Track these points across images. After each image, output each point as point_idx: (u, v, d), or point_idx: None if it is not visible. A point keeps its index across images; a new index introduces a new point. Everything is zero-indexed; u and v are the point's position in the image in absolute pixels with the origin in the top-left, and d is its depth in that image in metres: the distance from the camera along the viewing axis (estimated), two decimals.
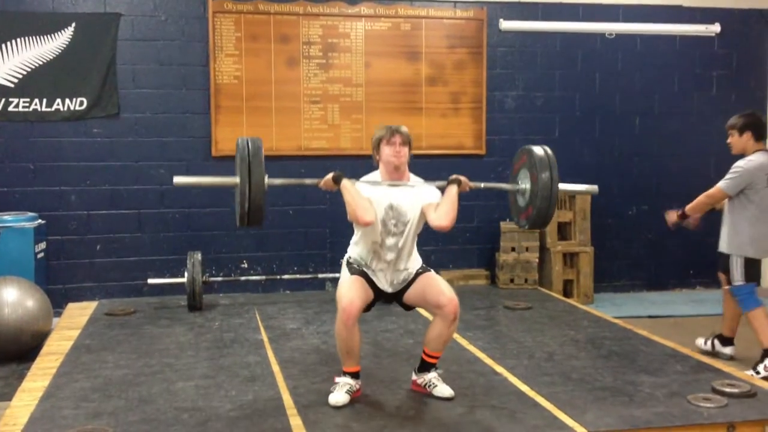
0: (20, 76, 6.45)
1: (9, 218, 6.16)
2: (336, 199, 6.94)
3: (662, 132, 7.73)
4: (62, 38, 6.51)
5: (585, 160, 7.57)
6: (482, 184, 4.55)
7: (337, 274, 6.70)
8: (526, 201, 4.38)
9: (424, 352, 4.22)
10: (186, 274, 6.09)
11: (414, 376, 4.28)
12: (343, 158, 6.81)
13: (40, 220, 6.35)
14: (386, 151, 4.14)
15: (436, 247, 7.35)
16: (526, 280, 7.16)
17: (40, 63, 6.47)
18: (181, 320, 5.90)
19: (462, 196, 7.11)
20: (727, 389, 4.12)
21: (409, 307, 4.35)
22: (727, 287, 5.50)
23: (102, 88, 6.60)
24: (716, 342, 5.62)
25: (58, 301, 6.48)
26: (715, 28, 7.53)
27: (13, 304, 5.37)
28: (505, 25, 7.21)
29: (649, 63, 7.65)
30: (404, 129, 4.18)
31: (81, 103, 6.59)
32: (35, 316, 5.46)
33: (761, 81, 7.91)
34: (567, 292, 7.21)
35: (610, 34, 7.36)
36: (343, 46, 7.00)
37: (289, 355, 4.95)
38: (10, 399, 4.24)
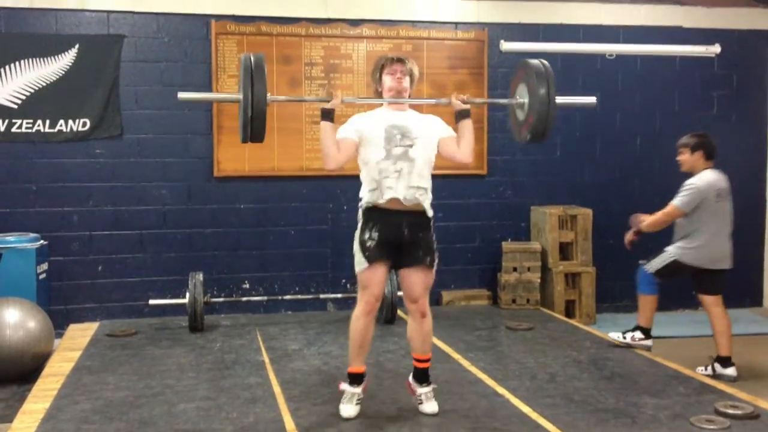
0: (23, 97, 6.48)
1: (11, 239, 6.17)
2: (337, 219, 7.02)
3: (663, 152, 7.68)
4: (66, 59, 6.54)
5: (586, 180, 7.58)
6: (477, 100, 4.84)
7: (338, 295, 6.81)
8: (525, 113, 4.39)
9: (413, 357, 4.30)
10: (187, 294, 6.08)
11: (412, 382, 4.32)
12: (344, 179, 6.76)
13: (42, 241, 6.36)
14: (387, 81, 4.10)
15: (438, 267, 7.31)
16: (528, 301, 7.15)
17: (44, 84, 6.51)
18: (183, 341, 5.89)
19: (463, 216, 7.27)
20: (731, 411, 4.11)
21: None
22: (709, 305, 5.61)
23: (105, 110, 6.63)
24: (716, 366, 5.57)
25: (59, 322, 6.47)
26: (716, 49, 7.55)
27: (14, 326, 5.36)
28: (506, 46, 7.24)
29: (649, 83, 7.68)
30: (409, 61, 4.13)
31: (84, 124, 6.61)
32: (36, 337, 5.45)
33: (762, 101, 7.94)
34: (569, 313, 7.19)
35: (611, 55, 7.39)
36: (345, 66, 7.04)
37: (290, 377, 4.94)
38: (11, 421, 4.23)
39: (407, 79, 4.12)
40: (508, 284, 7.15)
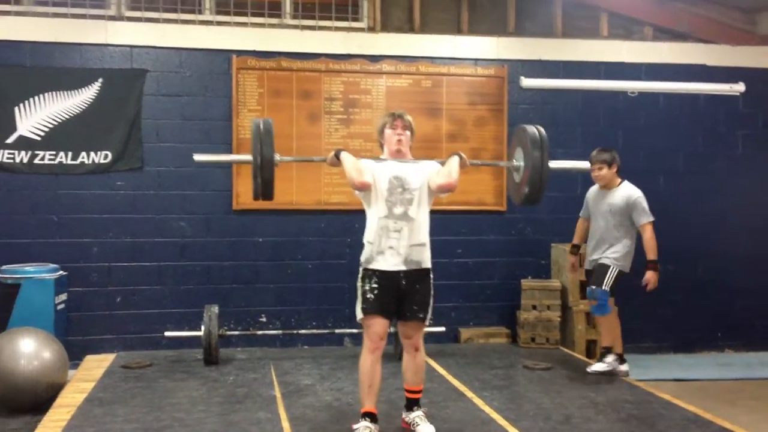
0: (47, 130, 6.57)
1: (30, 269, 6.22)
2: (355, 253, 6.94)
3: (687, 191, 7.64)
4: (89, 93, 6.64)
5: None
6: (478, 161, 5.20)
7: (355, 330, 6.76)
8: (520, 177, 4.66)
9: (405, 389, 4.52)
10: (202, 327, 6.08)
11: (403, 415, 4.52)
12: (362, 213, 6.76)
13: (61, 272, 6.41)
14: (389, 134, 4.44)
15: (457, 303, 7.28)
16: (547, 340, 7.04)
17: (67, 117, 6.60)
18: (196, 374, 5.87)
19: (482, 252, 7.21)
20: None
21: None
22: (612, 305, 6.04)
23: (126, 142, 6.71)
24: (612, 361, 5.95)
25: (77, 353, 6.50)
26: (740, 87, 7.47)
27: (29, 356, 5.38)
28: (527, 82, 7.23)
29: (672, 121, 7.62)
30: (407, 116, 4.50)
31: (106, 157, 6.69)
32: (51, 367, 5.46)
33: None
34: (590, 353, 7.05)
35: (633, 92, 7.34)
36: (365, 101, 7.07)
37: (300, 412, 4.89)
38: None
39: (407, 133, 4.48)
40: (527, 322, 7.05)
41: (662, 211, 7.51)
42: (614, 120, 7.51)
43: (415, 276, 4.33)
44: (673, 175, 7.62)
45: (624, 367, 6.03)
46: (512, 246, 7.36)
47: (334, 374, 5.91)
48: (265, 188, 4.28)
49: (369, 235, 4.36)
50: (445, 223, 7.20)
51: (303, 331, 6.77)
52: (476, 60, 7.29)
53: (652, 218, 5.91)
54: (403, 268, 4.29)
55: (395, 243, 4.27)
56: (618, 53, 7.53)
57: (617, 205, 5.96)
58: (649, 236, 5.87)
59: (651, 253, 5.85)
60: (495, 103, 7.27)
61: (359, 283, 4.37)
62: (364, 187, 4.32)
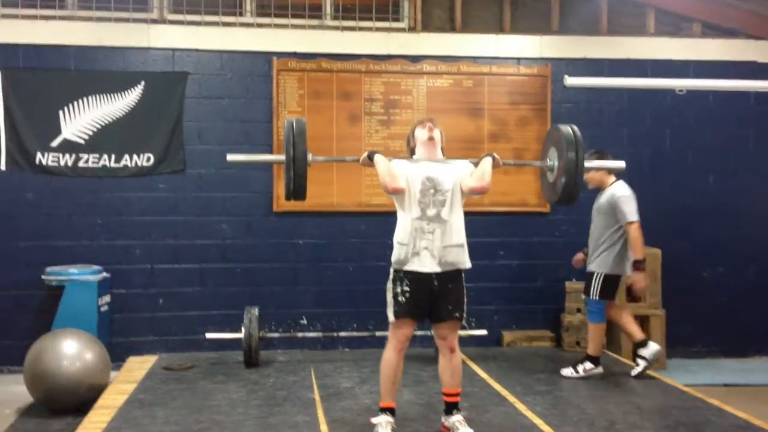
0: (91, 133, 6.64)
1: (74, 271, 6.29)
2: None
3: (738, 190, 7.43)
4: (132, 96, 6.70)
5: (655, 219, 7.21)
6: (512, 161, 5.09)
7: None
8: (554, 176, 4.61)
9: (443, 393, 4.47)
10: (243, 329, 6.07)
11: (443, 419, 4.47)
12: None
13: (104, 274, 6.47)
14: (419, 132, 4.43)
15: (499, 306, 7.18)
16: None
17: (110, 120, 6.66)
18: (237, 376, 5.87)
19: (525, 254, 7.10)
20: None
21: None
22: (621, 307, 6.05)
23: (169, 145, 6.75)
24: (587, 364, 5.92)
25: (120, 354, 6.56)
26: None
27: (71, 357, 5.42)
28: (570, 81, 7.04)
29: (722, 120, 7.41)
30: (435, 119, 4.53)
31: (148, 159, 6.73)
32: (93, 368, 5.49)
33: None
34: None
35: (681, 91, 7.12)
36: (405, 102, 7.01)
37: (339, 416, 4.85)
38: None
39: (437, 131, 4.46)
40: (571, 326, 6.92)
41: (712, 212, 7.38)
42: (661, 119, 7.33)
43: (447, 277, 4.29)
44: (723, 174, 7.41)
45: (599, 369, 5.98)
46: (556, 248, 7.23)
47: (373, 377, 5.81)
48: (297, 188, 4.26)
49: (401, 236, 4.31)
50: (486, 224, 7.12)
51: (343, 334, 6.72)
52: (519, 59, 7.18)
53: (634, 218, 5.73)
54: (437, 269, 4.26)
55: (429, 244, 4.24)
56: (665, 50, 7.35)
57: (603, 205, 5.92)
58: (632, 236, 5.72)
59: (635, 253, 5.74)
60: (538, 103, 7.15)
61: (390, 285, 4.36)
62: (397, 192, 4.29)
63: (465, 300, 4.39)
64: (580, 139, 4.43)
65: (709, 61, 7.35)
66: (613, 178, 5.94)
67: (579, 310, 6.90)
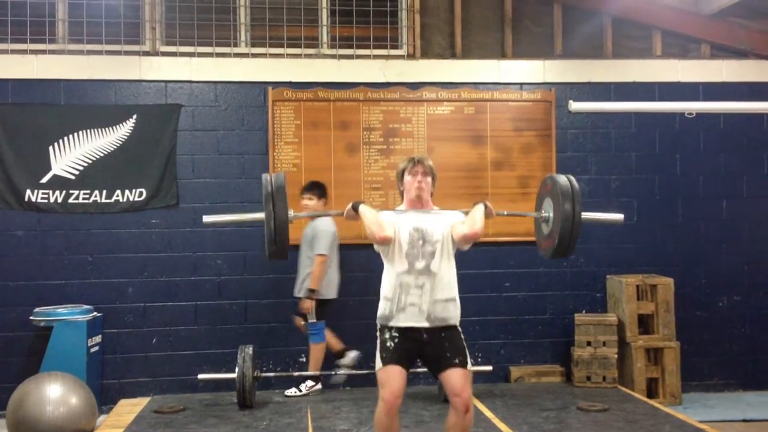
0: (81, 168, 6.48)
1: (63, 311, 6.10)
2: None
3: (753, 216, 7.16)
4: (123, 130, 6.54)
5: (667, 247, 7.05)
6: (505, 212, 4.59)
7: None
8: (549, 228, 4.40)
9: None
10: (236, 369, 5.83)
11: None
12: None
13: (95, 313, 6.28)
14: (408, 180, 4.16)
15: (506, 340, 6.91)
16: (604, 378, 6.59)
17: (101, 155, 6.50)
18: (229, 419, 5.62)
19: (533, 285, 6.84)
20: None
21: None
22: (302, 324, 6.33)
23: (161, 179, 6.57)
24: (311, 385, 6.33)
25: (112, 397, 6.37)
26: None
27: (55, 401, 5.20)
28: (575, 106, 6.87)
29: (734, 143, 7.16)
30: (428, 161, 4.21)
31: (140, 194, 6.55)
32: (78, 413, 5.26)
33: None
34: (652, 392, 6.60)
35: (690, 114, 6.90)
36: (405, 131, 6.81)
37: None
38: None
39: (428, 180, 4.18)
40: (581, 360, 6.63)
41: (726, 238, 7.11)
42: (671, 143, 7.09)
43: (438, 330, 3.98)
44: (736, 199, 7.14)
45: (319, 386, 6.42)
46: (564, 278, 6.97)
47: (373, 418, 5.56)
48: (279, 249, 4.01)
49: (386, 291, 4.04)
50: (492, 255, 6.89)
51: (343, 372, 6.44)
52: (521, 84, 6.98)
53: (325, 250, 6.19)
54: (425, 325, 3.95)
55: (417, 299, 3.95)
56: (673, 73, 7.13)
57: (308, 235, 6.28)
58: (317, 266, 6.17)
59: (313, 281, 6.16)
60: (542, 129, 6.93)
61: (378, 334, 4.06)
62: (386, 242, 4.03)
63: (464, 346, 4.03)
64: (577, 190, 4.22)
65: (719, 83, 7.13)
66: (322, 206, 6.31)
67: (589, 344, 6.62)
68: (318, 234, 6.17)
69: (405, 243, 4.02)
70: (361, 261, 6.74)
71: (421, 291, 3.95)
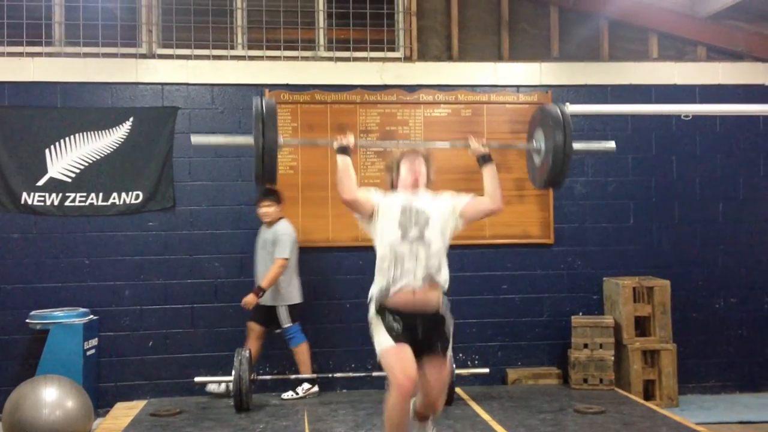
0: (77, 171, 6.47)
1: (59, 315, 6.09)
2: None
3: (749, 218, 7.16)
4: (120, 132, 6.53)
5: (663, 249, 7.06)
6: (496, 143, 4.78)
7: None
8: (540, 159, 4.39)
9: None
10: (233, 372, 5.82)
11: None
12: None
13: (91, 316, 6.26)
14: (404, 170, 4.06)
15: (503, 342, 6.91)
16: (601, 380, 6.59)
17: (98, 157, 6.50)
18: (226, 422, 5.61)
19: (530, 288, 6.84)
20: None
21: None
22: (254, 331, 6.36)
23: (158, 182, 6.56)
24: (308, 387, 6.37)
25: (109, 400, 6.36)
26: None
27: (51, 405, 5.18)
28: (572, 108, 6.79)
29: (731, 145, 7.17)
30: (421, 149, 4.16)
31: (137, 197, 6.54)
32: (74, 417, 5.25)
33: None
34: (648, 394, 6.59)
35: (686, 116, 6.90)
36: (402, 133, 6.81)
37: None
38: None
39: (422, 166, 4.09)
40: (578, 362, 6.63)
41: (723, 240, 7.12)
42: (667, 145, 7.09)
43: (431, 325, 3.87)
44: (733, 201, 7.14)
45: (315, 388, 6.45)
46: (561, 281, 6.97)
47: (369, 420, 5.58)
48: (267, 172, 3.97)
49: (380, 264, 3.89)
50: (488, 257, 6.89)
51: (339, 375, 6.44)
52: (518, 87, 6.98)
53: (287, 254, 6.21)
54: (415, 309, 3.81)
55: (411, 267, 3.81)
56: (669, 75, 7.13)
57: (269, 240, 6.28)
58: (275, 267, 6.19)
59: (266, 280, 6.18)
60: None
61: (376, 320, 3.86)
62: (349, 204, 3.96)
63: (449, 337, 3.96)
64: (568, 120, 4.20)
65: (716, 85, 7.13)
66: (283, 215, 6.37)
67: (586, 346, 6.62)
68: (280, 238, 6.20)
69: (397, 213, 3.90)
70: (357, 263, 6.74)
71: (416, 260, 3.82)
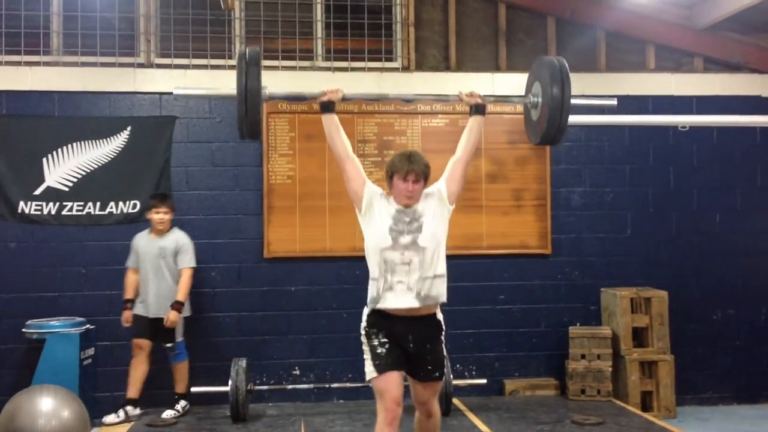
0: (75, 180, 6.48)
1: (55, 324, 6.08)
2: None
3: (746, 229, 7.17)
4: (117, 141, 6.53)
5: (661, 260, 7.06)
6: (491, 98, 4.48)
7: None
8: (537, 114, 4.26)
9: None
10: (230, 382, 5.80)
11: None
12: None
13: (88, 326, 6.25)
14: (399, 186, 3.89)
15: (501, 353, 6.90)
16: (598, 392, 6.58)
17: (95, 166, 6.50)
18: None
19: (527, 298, 6.83)
20: None
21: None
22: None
23: (155, 191, 6.55)
24: (128, 408, 6.03)
25: (105, 410, 6.30)
26: None
27: (47, 415, 5.13)
28: (570, 119, 6.85)
29: (728, 156, 7.19)
30: (422, 162, 3.93)
31: (134, 206, 6.54)
32: (71, 427, 5.19)
33: None
34: (646, 405, 6.59)
35: (684, 127, 6.91)
36: (399, 143, 6.81)
37: None
38: None
39: (419, 186, 3.91)
40: (576, 373, 6.62)
41: (720, 251, 7.12)
42: (665, 156, 7.11)
43: (425, 334, 3.84)
44: (730, 212, 7.16)
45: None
46: (559, 291, 6.97)
47: (367, 430, 5.56)
48: (251, 125, 3.89)
49: (372, 271, 3.83)
50: (486, 267, 6.89)
51: (337, 385, 6.43)
52: (516, 97, 6.97)
53: (194, 263, 6.16)
54: (416, 305, 3.75)
55: (404, 277, 3.74)
56: (666, 86, 7.16)
57: (169, 249, 6.12)
58: (186, 279, 6.11)
59: (181, 294, 6.07)
60: None
61: (365, 340, 3.84)
62: (340, 163, 4.03)
63: (445, 358, 3.98)
64: (567, 73, 4.04)
65: (712, 97, 7.16)
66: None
67: (584, 356, 6.62)
68: (183, 247, 6.10)
69: (389, 217, 3.83)
70: (355, 273, 6.71)
71: (408, 268, 3.75)
